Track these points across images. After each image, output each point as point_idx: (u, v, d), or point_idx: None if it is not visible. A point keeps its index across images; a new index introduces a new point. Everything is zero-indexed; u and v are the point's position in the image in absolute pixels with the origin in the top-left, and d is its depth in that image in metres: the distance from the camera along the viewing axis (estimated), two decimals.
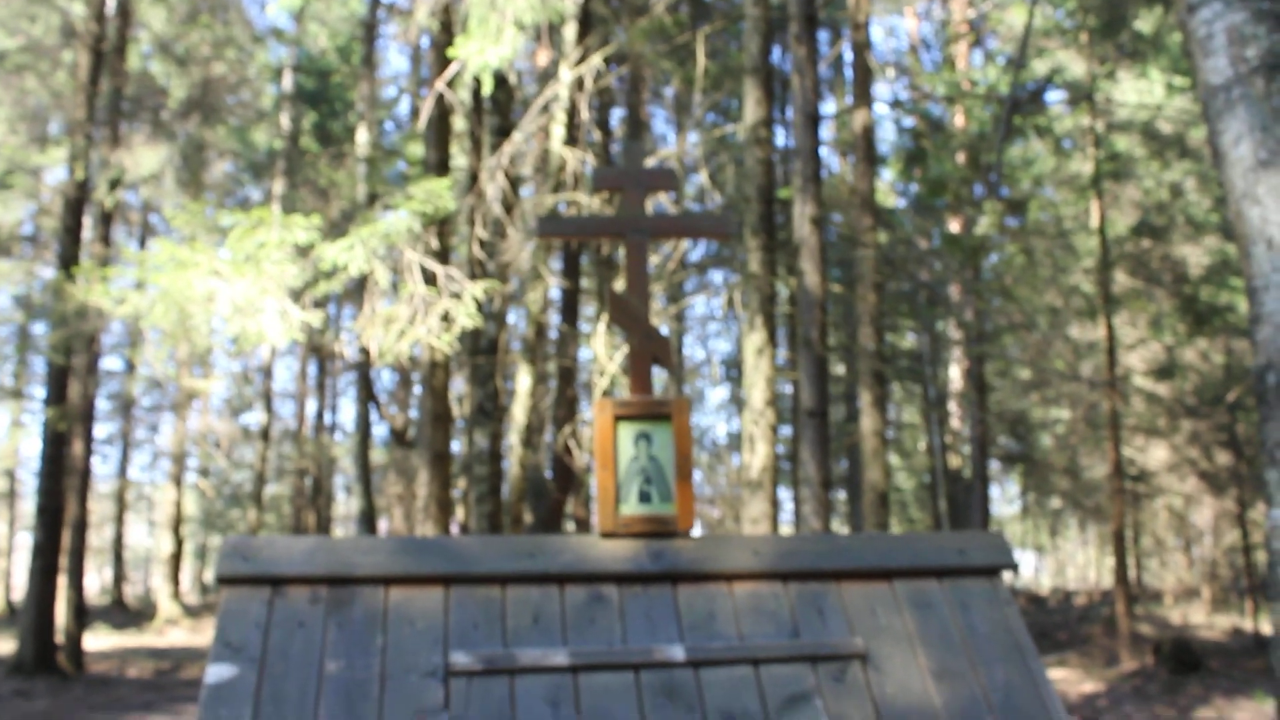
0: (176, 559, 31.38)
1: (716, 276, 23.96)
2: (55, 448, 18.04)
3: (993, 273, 22.62)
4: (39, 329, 27.66)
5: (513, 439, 11.17)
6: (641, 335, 3.56)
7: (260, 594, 3.15)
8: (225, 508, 38.02)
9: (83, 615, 19.07)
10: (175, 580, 31.28)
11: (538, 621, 3.15)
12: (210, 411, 34.58)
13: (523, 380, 11.00)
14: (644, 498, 3.40)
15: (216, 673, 2.95)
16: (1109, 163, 18.42)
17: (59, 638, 18.29)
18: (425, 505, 11.48)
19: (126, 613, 33.31)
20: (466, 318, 8.17)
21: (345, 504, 41.08)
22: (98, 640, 24.33)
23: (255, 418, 35.83)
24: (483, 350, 11.12)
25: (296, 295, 8.34)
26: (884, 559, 3.52)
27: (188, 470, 34.37)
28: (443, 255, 10.83)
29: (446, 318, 8.53)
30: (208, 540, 42.81)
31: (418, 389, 28.53)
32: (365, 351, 14.26)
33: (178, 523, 31.54)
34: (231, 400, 35.50)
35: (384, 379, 29.10)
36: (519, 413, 11.01)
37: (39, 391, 30.70)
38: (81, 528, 19.31)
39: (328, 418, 34.68)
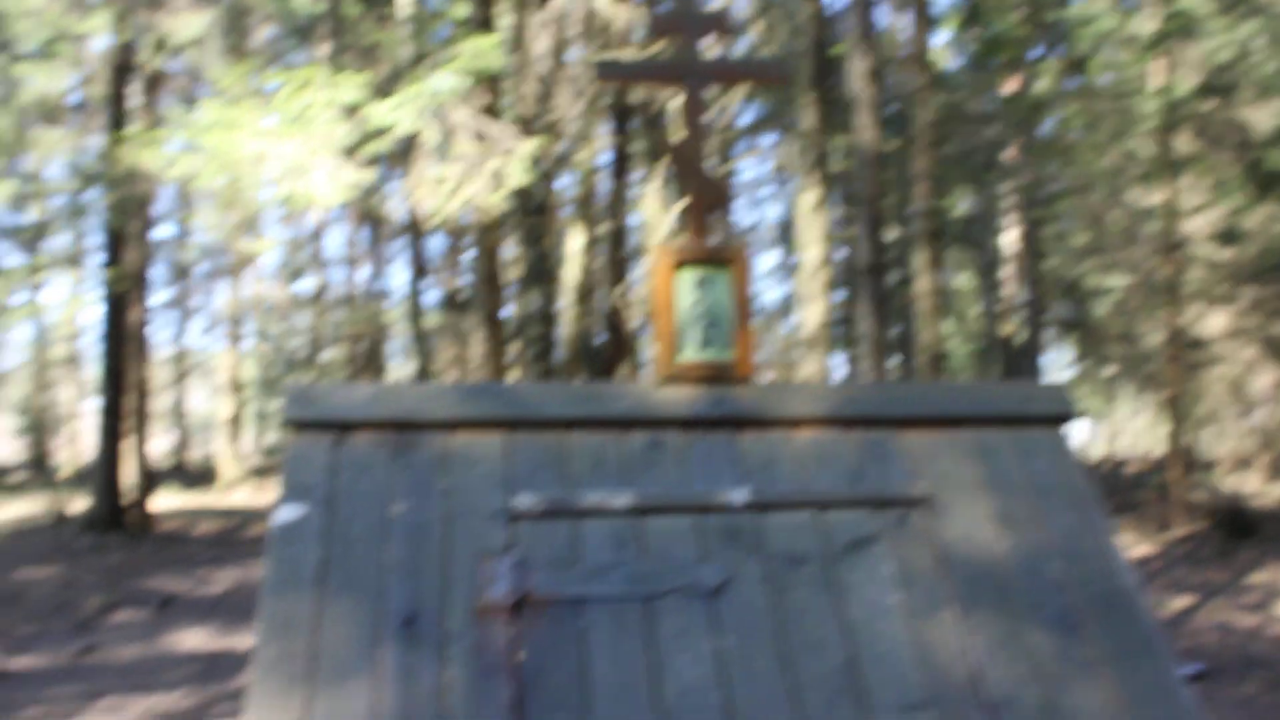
0: (236, 422, 32.09)
1: (768, 140, 23.57)
2: (115, 311, 18.34)
3: (1050, 135, 22.03)
4: (92, 196, 27.81)
5: (565, 301, 11.15)
6: (699, 182, 3.50)
7: (326, 439, 3.18)
8: (282, 373, 38.56)
9: (149, 475, 19.62)
10: (236, 443, 32.04)
11: (599, 466, 3.16)
12: (263, 278, 34.84)
13: (574, 241, 10.94)
14: (704, 344, 3.37)
15: (285, 513, 3.00)
16: (1173, 20, 17.68)
17: (128, 497, 18.89)
18: (479, 368, 11.56)
19: (191, 475, 34.25)
20: (518, 175, 8.10)
21: (399, 369, 41.64)
22: (165, 500, 25.03)
23: (308, 284, 36.15)
24: (533, 211, 11.05)
25: (346, 155, 8.30)
26: (947, 407, 3.49)
27: (244, 336, 34.86)
28: (491, 114, 10.69)
29: (497, 177, 8.46)
30: (266, 404, 43.62)
31: (467, 254, 28.59)
32: (416, 214, 14.24)
33: (236, 387, 32.16)
34: (284, 267, 35.79)
35: (434, 244, 29.10)
36: (571, 274, 10.98)
37: (95, 261, 31.07)
38: (143, 391, 19.74)
39: (379, 283, 34.89)
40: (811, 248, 8.09)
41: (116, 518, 18.28)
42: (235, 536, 20.09)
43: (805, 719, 2.77)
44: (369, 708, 2.66)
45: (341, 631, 2.79)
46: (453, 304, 22.89)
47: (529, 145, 8.40)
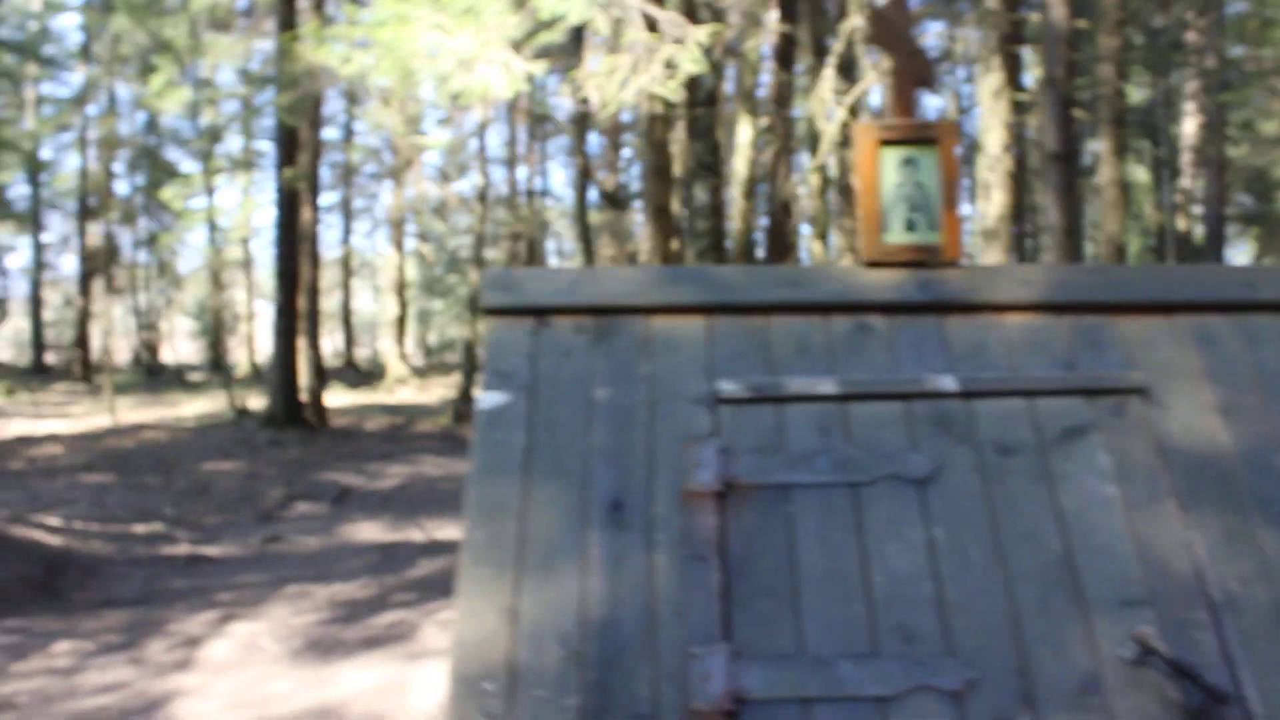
0: (401, 322, 33.05)
1: (944, 22, 22.67)
2: (288, 212, 18.95)
3: (1237, 16, 20.62)
4: (264, 99, 28.59)
5: (734, 192, 10.98)
6: (905, 55, 3.33)
7: (525, 324, 3.18)
8: (445, 272, 39.48)
9: (322, 373, 20.43)
10: (401, 343, 33.04)
11: (803, 351, 3.09)
12: (425, 179, 35.50)
13: (743, 132, 10.73)
14: (909, 226, 3.24)
15: (490, 399, 3.02)
16: None
17: (303, 395, 19.71)
18: (644, 262, 11.52)
19: (358, 373, 35.54)
20: (691, 63, 7.93)
21: (559, 266, 42.15)
22: (335, 398, 26.11)
23: (468, 184, 36.69)
24: (701, 102, 10.85)
25: (516, 47, 8.26)
26: (1164, 292, 3.29)
27: (407, 236, 35.71)
28: (658, 2, 10.49)
29: (669, 65, 8.30)
30: (429, 304, 44.78)
31: (626, 152, 28.48)
32: (583, 106, 14.15)
33: (401, 287, 33.05)
34: (445, 167, 36.35)
35: (594, 142, 29.15)
36: (740, 166, 10.78)
37: (267, 164, 32.04)
38: (315, 291, 20.46)
39: (538, 183, 35.19)
40: (993, 134, 7.73)
41: (294, 414, 19.12)
42: (402, 433, 20.82)
43: (1019, 612, 2.69)
44: (577, 592, 2.69)
45: (549, 516, 2.81)
46: (612, 202, 22.93)
47: (701, 33, 8.21)
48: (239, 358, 37.06)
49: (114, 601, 9.09)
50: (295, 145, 18.67)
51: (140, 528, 12.20)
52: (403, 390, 30.61)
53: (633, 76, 8.22)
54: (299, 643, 7.84)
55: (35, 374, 32.99)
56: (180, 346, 44.32)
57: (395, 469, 16.86)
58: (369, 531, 12.70)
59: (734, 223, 11.29)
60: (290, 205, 18.57)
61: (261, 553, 11.24)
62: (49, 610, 8.75)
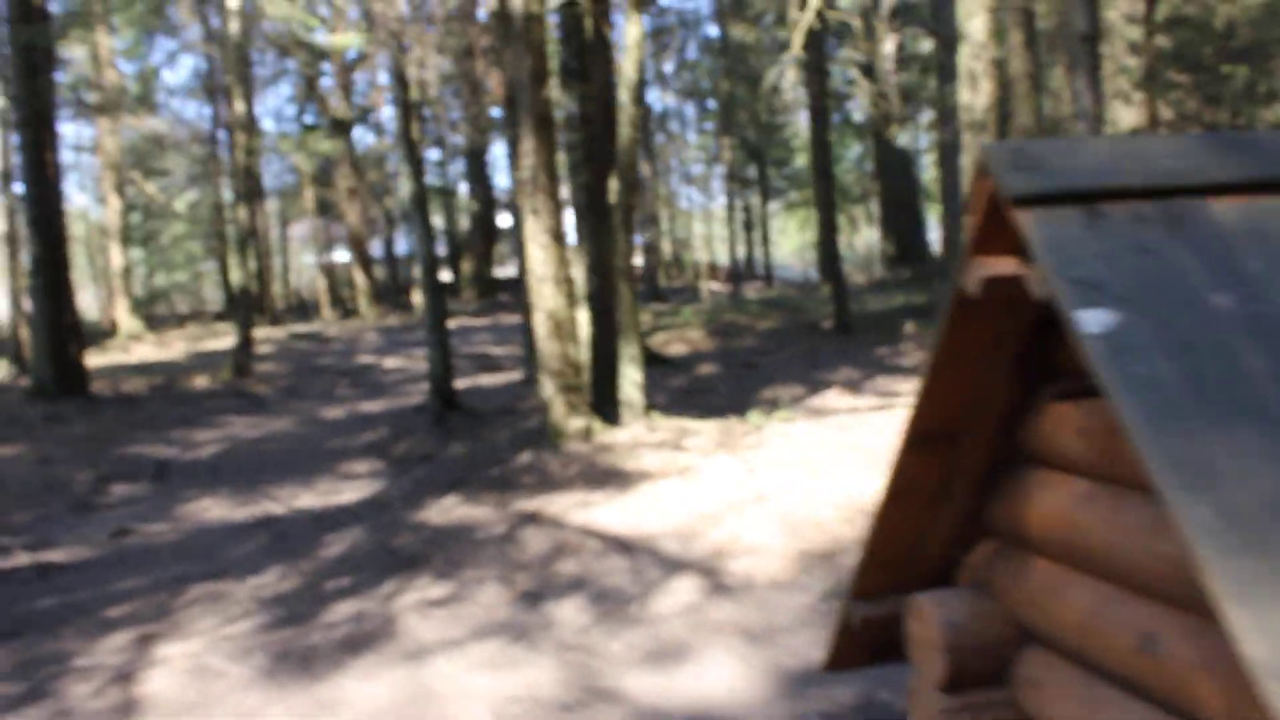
0: (127, 274, 29.88)
1: None
2: (36, 147, 16.22)
3: None
4: None
5: (623, 96, 10.05)
6: None
7: (1069, 215, 2.29)
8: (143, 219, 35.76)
9: (80, 335, 17.86)
10: (130, 296, 29.91)
11: None
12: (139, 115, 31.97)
13: (631, 31, 9.74)
14: None
15: (1097, 320, 2.12)
16: None
17: (64, 360, 17.20)
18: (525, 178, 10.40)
19: (87, 332, 31.97)
20: None
21: None
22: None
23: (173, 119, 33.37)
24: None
25: None
26: None
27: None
28: None
29: None
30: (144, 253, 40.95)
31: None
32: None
33: (125, 236, 29.81)
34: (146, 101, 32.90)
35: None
36: (629, 68, 9.82)
37: None
38: (62, 240, 17.78)
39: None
40: (976, 19, 7.19)
41: (68, 384, 16.65)
42: (187, 395, 18.69)
43: None
44: None
45: (1266, 470, 1.96)
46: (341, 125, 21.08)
47: None
48: None
49: None
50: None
51: None
52: (140, 348, 27.70)
53: None
54: (262, 659, 6.51)
55: None
56: None
57: (204, 435, 14.97)
58: (217, 509, 11.11)
59: (624, 129, 10.34)
60: (38, 132, 15.81)
61: (119, 550, 9.51)
62: None
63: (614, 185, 11.19)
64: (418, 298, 32.53)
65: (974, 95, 7.41)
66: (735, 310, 27.08)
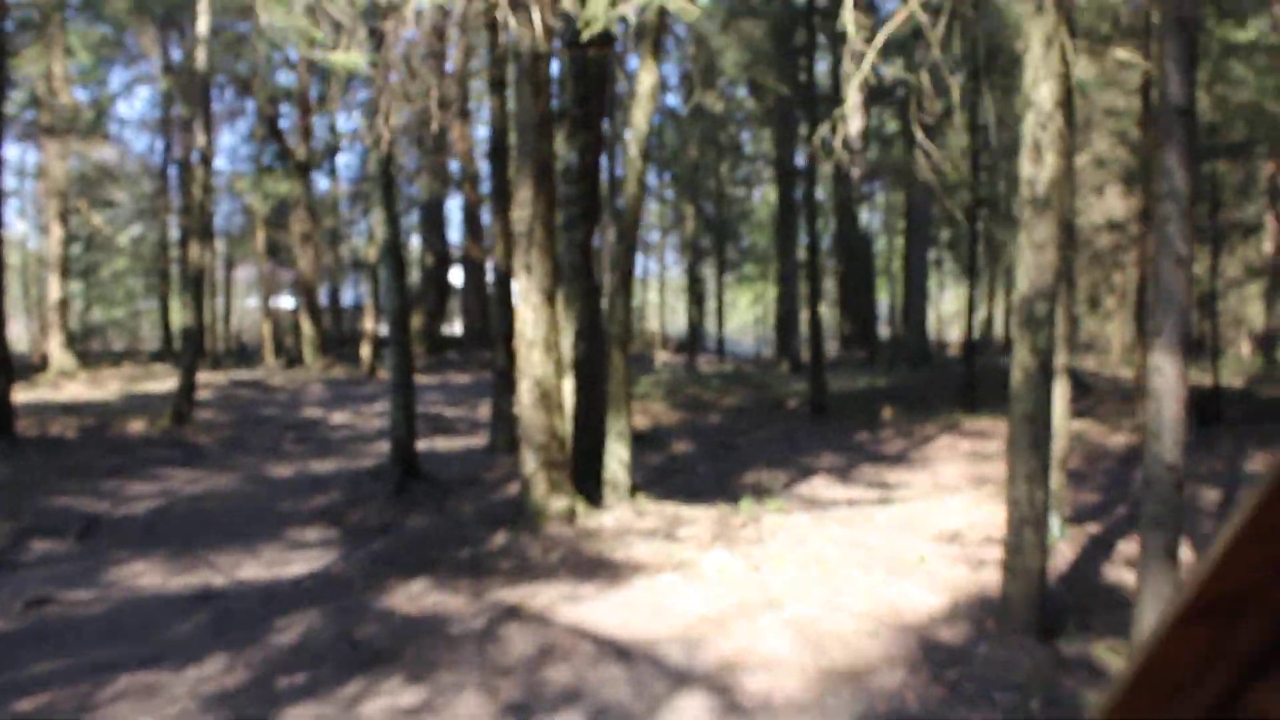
0: (64, 306, 28.38)
1: None
2: None
3: None
4: None
5: (631, 151, 9.25)
6: None
7: None
8: (84, 250, 34.42)
9: (8, 367, 16.53)
10: (66, 330, 28.39)
11: None
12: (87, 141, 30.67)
13: (645, 79, 8.95)
14: None
15: None
16: None
17: None
18: (521, 233, 9.53)
19: (15, 365, 30.31)
20: None
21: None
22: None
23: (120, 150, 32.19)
24: (576, 41, 8.92)
25: None
26: None
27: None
28: None
29: None
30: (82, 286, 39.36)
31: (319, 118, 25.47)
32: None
33: (64, 267, 28.37)
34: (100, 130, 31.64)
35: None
36: (640, 119, 9.03)
37: None
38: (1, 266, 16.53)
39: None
40: (1045, 86, 6.50)
41: None
42: (117, 440, 17.38)
43: None
44: None
45: None
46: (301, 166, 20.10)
47: None
48: None
49: None
50: None
51: None
52: (72, 386, 26.22)
53: None
54: None
55: None
56: None
57: (138, 488, 13.72)
58: (151, 576, 9.93)
59: (631, 186, 9.51)
60: None
61: (36, 623, 8.32)
62: None
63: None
64: (365, 350, 31.35)
65: (1037, 168, 6.69)
66: (695, 384, 26.29)
